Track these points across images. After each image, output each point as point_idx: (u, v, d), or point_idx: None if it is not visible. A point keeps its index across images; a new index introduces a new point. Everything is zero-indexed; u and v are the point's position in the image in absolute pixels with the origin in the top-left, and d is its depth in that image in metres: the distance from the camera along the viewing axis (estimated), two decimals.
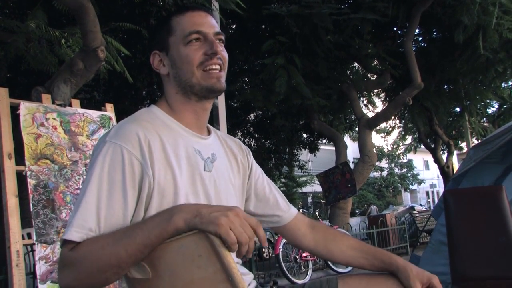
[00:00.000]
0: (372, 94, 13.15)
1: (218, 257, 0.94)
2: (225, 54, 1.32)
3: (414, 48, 10.08)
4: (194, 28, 1.28)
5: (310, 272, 7.98)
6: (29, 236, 3.99)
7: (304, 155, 17.06)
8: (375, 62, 11.09)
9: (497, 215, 2.67)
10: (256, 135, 14.03)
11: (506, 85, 13.78)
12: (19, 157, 3.12)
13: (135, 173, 1.14)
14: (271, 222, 1.52)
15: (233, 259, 0.96)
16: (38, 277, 2.94)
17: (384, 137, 21.97)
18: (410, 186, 35.43)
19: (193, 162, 1.27)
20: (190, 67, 1.27)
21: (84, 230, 1.06)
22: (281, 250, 7.37)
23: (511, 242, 2.61)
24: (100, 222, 1.08)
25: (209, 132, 1.42)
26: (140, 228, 1.02)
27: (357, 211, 26.16)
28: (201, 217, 0.97)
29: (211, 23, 1.32)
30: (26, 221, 3.31)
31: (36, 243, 2.99)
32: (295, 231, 1.53)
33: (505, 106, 16.53)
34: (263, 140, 14.24)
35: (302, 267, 7.97)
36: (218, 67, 1.28)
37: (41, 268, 2.97)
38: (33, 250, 3.54)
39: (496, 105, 16.82)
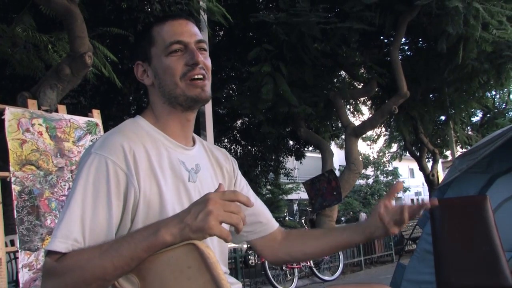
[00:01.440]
0: (358, 102, 13.24)
1: (208, 268, 0.94)
2: (207, 62, 1.31)
3: (400, 57, 10.18)
4: (174, 38, 1.27)
5: (296, 279, 7.99)
6: (12, 243, 3.94)
7: (290, 162, 17.11)
8: (362, 71, 11.18)
9: (482, 224, 2.70)
10: (243, 142, 14.03)
11: (489, 94, 13.99)
12: (4, 163, 3.08)
13: (120, 184, 1.14)
14: (253, 232, 1.52)
15: (222, 270, 0.96)
16: (21, 285, 2.89)
17: (370, 145, 22.12)
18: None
19: (177, 173, 1.27)
20: (172, 78, 1.26)
21: (69, 241, 1.06)
22: None
23: (495, 251, 2.64)
24: (85, 232, 1.08)
25: (194, 143, 1.41)
26: (127, 241, 1.02)
27: (342, 219, 26.24)
28: (190, 227, 0.98)
29: (191, 31, 1.30)
30: (9, 228, 3.27)
31: (19, 250, 2.94)
32: (272, 243, 1.53)
33: (488, 115, 16.78)
34: (249, 147, 14.24)
35: (288, 275, 7.97)
36: (201, 76, 1.27)
37: (24, 276, 2.93)
38: (16, 258, 3.49)
39: (480, 114, 17.07)
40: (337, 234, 1.45)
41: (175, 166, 1.27)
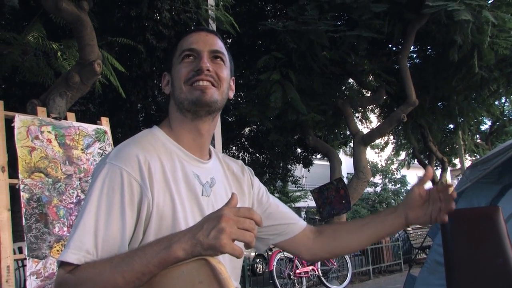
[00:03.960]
0: (367, 110, 13.21)
1: (219, 284, 0.92)
2: (221, 72, 1.30)
3: (409, 65, 10.14)
4: (188, 46, 1.29)
5: (305, 287, 7.94)
6: (20, 250, 3.94)
7: (298, 170, 17.05)
8: (370, 79, 11.16)
9: (494, 236, 2.65)
10: (251, 149, 14.03)
11: (498, 102, 13.91)
12: (13, 170, 3.09)
13: (134, 195, 1.13)
14: (279, 234, 1.51)
15: (233, 286, 0.95)
16: None
17: (378, 153, 22.04)
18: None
19: (191, 187, 1.26)
20: (179, 82, 1.28)
21: (81, 252, 1.05)
22: (275, 266, 7.34)
23: (508, 264, 2.60)
24: (97, 244, 1.07)
25: (210, 155, 1.40)
26: (138, 256, 1.01)
27: None
28: (201, 244, 0.96)
29: (208, 41, 1.31)
30: (17, 235, 3.27)
31: (27, 258, 2.94)
32: (306, 242, 1.52)
33: (497, 124, 16.69)
34: (257, 155, 14.23)
35: (296, 284, 7.92)
36: (206, 83, 1.26)
37: (32, 283, 2.92)
38: (24, 265, 3.49)
39: (489, 122, 16.99)
40: (376, 224, 1.45)
41: (189, 179, 1.26)
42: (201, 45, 1.29)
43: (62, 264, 1.06)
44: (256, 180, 1.54)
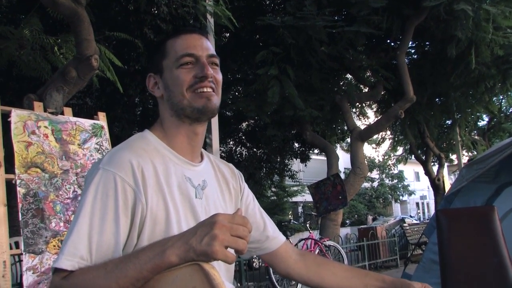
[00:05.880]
0: (364, 105, 13.21)
1: None
2: (218, 77, 1.31)
3: (407, 61, 10.13)
4: (186, 51, 1.28)
5: (299, 284, 7.96)
6: (17, 245, 3.94)
7: (296, 164, 17.06)
8: (368, 74, 11.15)
9: (489, 235, 2.67)
10: (248, 144, 14.03)
11: (496, 99, 13.92)
12: (9, 165, 3.08)
13: (128, 200, 1.13)
14: (260, 248, 1.52)
15: None
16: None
17: (375, 148, 22.04)
18: (401, 197, 35.59)
19: (183, 190, 1.26)
20: (180, 89, 1.26)
21: (75, 258, 1.05)
22: None
23: (503, 263, 2.61)
24: (91, 250, 1.07)
25: (202, 158, 1.40)
26: (132, 262, 1.00)
27: (347, 221, 26.22)
28: (194, 250, 0.96)
29: (204, 46, 1.31)
30: (13, 230, 3.27)
31: (24, 253, 2.94)
32: (286, 259, 1.52)
33: (495, 120, 16.70)
34: (254, 149, 14.23)
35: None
36: (209, 89, 1.27)
37: (28, 279, 2.92)
38: (20, 260, 3.50)
39: (487, 119, 16.99)
40: (358, 281, 1.44)
41: (181, 182, 1.26)
42: (199, 50, 1.29)
43: (56, 271, 1.06)
44: (245, 186, 1.54)
